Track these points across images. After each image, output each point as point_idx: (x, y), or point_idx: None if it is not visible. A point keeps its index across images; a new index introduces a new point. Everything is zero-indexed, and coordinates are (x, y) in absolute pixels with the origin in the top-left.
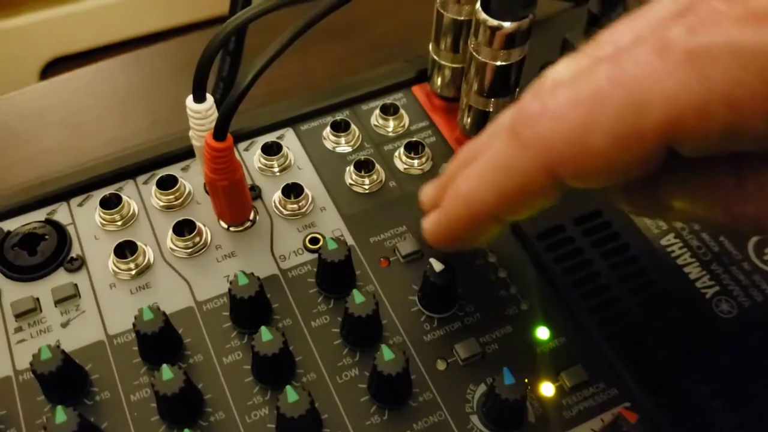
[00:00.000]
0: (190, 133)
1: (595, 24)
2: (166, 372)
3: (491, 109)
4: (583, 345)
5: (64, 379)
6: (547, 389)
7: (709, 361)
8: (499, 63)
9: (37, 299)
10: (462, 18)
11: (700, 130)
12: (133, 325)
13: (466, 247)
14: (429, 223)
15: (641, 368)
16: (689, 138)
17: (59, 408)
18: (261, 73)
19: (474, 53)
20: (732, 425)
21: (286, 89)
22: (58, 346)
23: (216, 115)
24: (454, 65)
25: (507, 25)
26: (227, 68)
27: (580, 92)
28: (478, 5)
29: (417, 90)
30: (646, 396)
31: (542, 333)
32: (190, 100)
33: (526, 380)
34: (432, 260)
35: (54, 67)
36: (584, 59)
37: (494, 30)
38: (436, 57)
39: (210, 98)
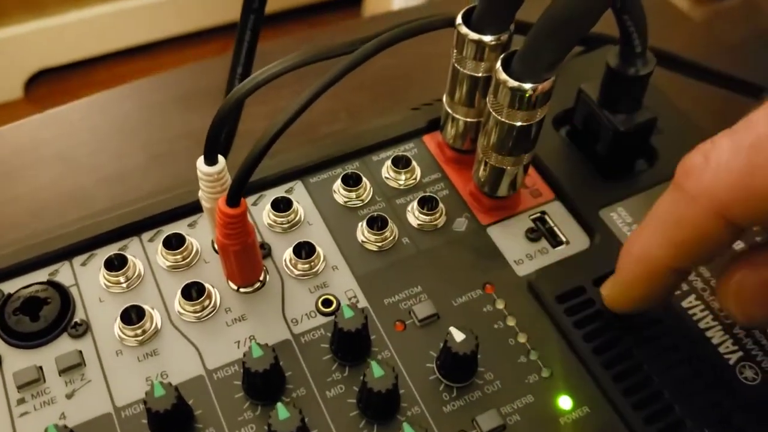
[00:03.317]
0: (200, 194)
1: (614, 81)
2: None
3: (508, 166)
4: (607, 415)
5: None
6: None
7: (736, 430)
8: (519, 123)
9: (41, 368)
10: (479, 75)
11: None
12: (144, 402)
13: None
14: (607, 288)
15: None
16: None
17: None
18: (278, 137)
19: (493, 112)
20: None
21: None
22: (66, 426)
23: (228, 177)
24: (468, 119)
25: (528, 86)
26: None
27: (740, 141)
28: (498, 65)
29: (428, 140)
30: None
31: (564, 402)
32: (200, 162)
33: None
34: (452, 329)
35: (38, 79)
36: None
37: (515, 91)
38: (450, 110)
39: (222, 160)
